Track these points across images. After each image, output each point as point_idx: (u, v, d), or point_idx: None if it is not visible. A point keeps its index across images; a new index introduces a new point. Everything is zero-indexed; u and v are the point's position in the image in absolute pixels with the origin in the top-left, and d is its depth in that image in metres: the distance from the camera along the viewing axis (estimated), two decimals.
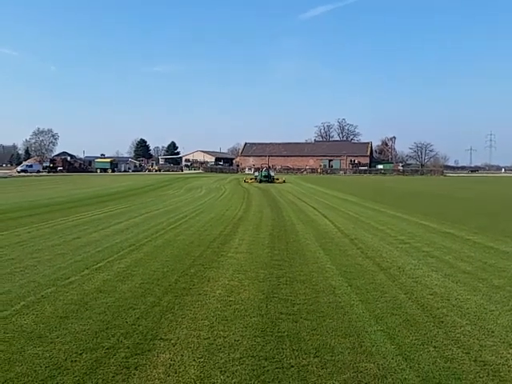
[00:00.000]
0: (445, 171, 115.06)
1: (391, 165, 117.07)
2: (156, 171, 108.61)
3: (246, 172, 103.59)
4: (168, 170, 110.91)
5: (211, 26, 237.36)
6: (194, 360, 4.76)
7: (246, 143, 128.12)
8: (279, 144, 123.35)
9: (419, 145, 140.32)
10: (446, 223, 16.24)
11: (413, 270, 8.93)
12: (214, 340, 5.31)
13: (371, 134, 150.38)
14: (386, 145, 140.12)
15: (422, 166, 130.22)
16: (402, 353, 4.97)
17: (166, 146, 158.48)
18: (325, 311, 6.36)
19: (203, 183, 49.73)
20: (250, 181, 55.08)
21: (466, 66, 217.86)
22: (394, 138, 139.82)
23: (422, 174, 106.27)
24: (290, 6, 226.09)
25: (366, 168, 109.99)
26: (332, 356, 4.86)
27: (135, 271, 8.79)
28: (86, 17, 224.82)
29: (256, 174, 60.97)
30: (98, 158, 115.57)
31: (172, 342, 5.27)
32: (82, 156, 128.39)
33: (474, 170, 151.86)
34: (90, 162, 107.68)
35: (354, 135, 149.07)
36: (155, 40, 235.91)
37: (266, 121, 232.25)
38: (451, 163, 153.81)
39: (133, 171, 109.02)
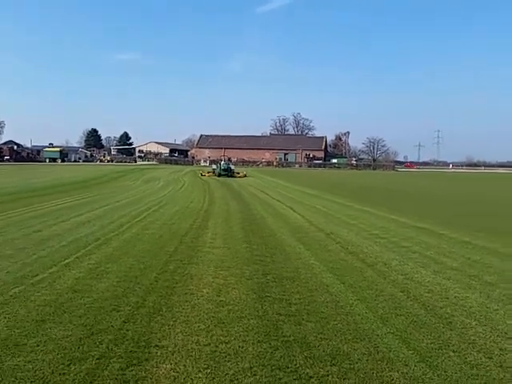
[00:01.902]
0: (395, 166, 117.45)
1: (345, 159, 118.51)
2: (108, 162, 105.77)
3: (202, 164, 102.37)
4: (121, 161, 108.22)
5: (171, 16, 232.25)
6: (200, 371, 4.25)
7: (201, 135, 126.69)
8: (235, 136, 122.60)
9: (372, 140, 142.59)
10: (413, 217, 16.19)
11: (400, 266, 8.68)
12: (216, 347, 4.80)
13: (325, 129, 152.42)
14: (340, 139, 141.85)
15: (374, 160, 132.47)
16: (423, 359, 4.62)
17: (118, 136, 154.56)
18: (325, 312, 5.96)
19: (160, 175, 48.61)
20: (207, 174, 48.88)
21: (417, 61, 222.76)
22: (348, 132, 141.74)
23: (374, 169, 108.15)
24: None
25: (320, 162, 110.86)
26: (350, 364, 4.45)
27: (109, 268, 8.14)
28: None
29: (214, 166, 53.52)
30: (46, 147, 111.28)
31: (169, 349, 4.73)
32: (29, 145, 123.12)
33: (423, 165, 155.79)
34: (38, 152, 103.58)
35: (309, 129, 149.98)
36: (109, 28, 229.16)
37: (223, 113, 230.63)
38: (401, 159, 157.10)
39: (83, 161, 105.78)
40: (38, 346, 4.75)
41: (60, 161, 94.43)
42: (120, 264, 8.46)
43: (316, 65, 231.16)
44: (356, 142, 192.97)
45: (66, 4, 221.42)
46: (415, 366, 4.47)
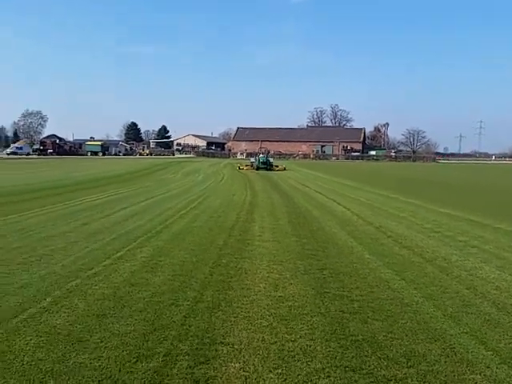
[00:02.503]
0: (436, 158, 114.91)
1: (384, 151, 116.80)
2: (147, 155, 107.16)
3: (238, 157, 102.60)
4: (159, 154, 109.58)
5: (199, 10, 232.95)
6: (271, 371, 4.08)
7: (238, 128, 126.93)
8: (272, 129, 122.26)
9: (411, 131, 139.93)
10: (465, 210, 15.64)
11: (461, 262, 8.31)
12: (283, 345, 4.63)
13: (364, 120, 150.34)
14: (379, 131, 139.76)
15: (414, 152, 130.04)
16: (504, 360, 4.34)
17: (156, 129, 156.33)
18: (391, 310, 5.70)
19: (198, 168, 48.83)
20: (245, 168, 46.78)
21: (459, 53, 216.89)
22: (387, 124, 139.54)
23: (414, 161, 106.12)
24: None
25: (358, 154, 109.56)
26: (428, 366, 4.20)
27: (162, 261, 8.08)
28: None
29: (252, 159, 51.01)
30: (87, 140, 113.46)
31: (235, 347, 4.58)
32: (70, 139, 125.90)
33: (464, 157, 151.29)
34: (80, 145, 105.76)
35: (347, 121, 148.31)
36: (141, 20, 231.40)
37: (259, 106, 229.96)
38: (441, 150, 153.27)
39: (124, 155, 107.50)
40: (101, 342, 4.67)
41: (101, 154, 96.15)
42: (172, 257, 8.39)
43: (354, 55, 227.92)
44: (395, 134, 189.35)
45: None
46: (497, 368, 4.19)
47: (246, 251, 9.03)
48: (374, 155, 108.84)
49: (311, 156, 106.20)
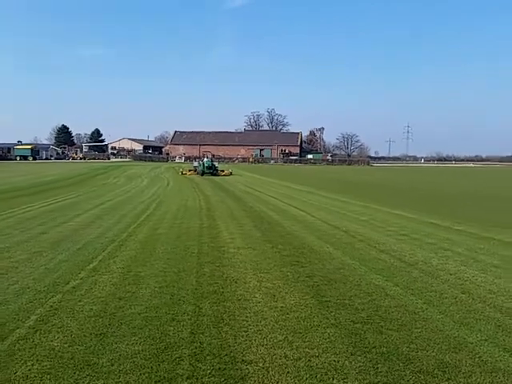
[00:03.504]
0: (370, 161, 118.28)
1: (320, 155, 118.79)
2: (80, 159, 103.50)
3: (177, 161, 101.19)
4: (94, 158, 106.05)
5: (135, 13, 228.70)
6: None
7: (175, 131, 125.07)
8: (209, 133, 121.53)
9: (345, 136, 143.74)
10: (420, 213, 16.01)
11: (442, 265, 8.39)
12: (309, 361, 4.39)
13: (299, 125, 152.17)
14: (315, 135, 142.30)
15: (349, 156, 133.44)
16: None
17: (89, 133, 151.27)
18: (401, 318, 5.59)
19: (139, 172, 47.69)
20: (188, 173, 44.36)
21: (387, 56, 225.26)
22: (323, 128, 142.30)
23: (349, 164, 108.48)
24: None
25: (296, 158, 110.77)
26: (466, 378, 4.09)
27: (141, 272, 7.65)
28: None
29: (195, 164, 47.37)
30: (13, 144, 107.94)
31: (260, 365, 4.30)
32: None
33: (394, 160, 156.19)
34: (8, 149, 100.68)
35: (283, 125, 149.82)
36: (77, 21, 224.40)
37: (194, 110, 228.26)
38: (372, 153, 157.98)
39: (55, 159, 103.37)
40: (112, 365, 4.26)
41: (31, 158, 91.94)
42: (150, 268, 7.97)
43: (288, 60, 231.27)
44: (330, 138, 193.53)
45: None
46: None
47: (224, 259, 8.73)
48: (311, 159, 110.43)
49: (250, 160, 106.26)
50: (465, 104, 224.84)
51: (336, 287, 6.87)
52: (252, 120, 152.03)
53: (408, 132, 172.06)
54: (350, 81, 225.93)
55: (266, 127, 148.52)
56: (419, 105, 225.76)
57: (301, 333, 5.07)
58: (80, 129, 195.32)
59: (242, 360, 4.38)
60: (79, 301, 6.11)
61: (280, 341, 4.85)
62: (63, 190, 24.89)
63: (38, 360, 4.32)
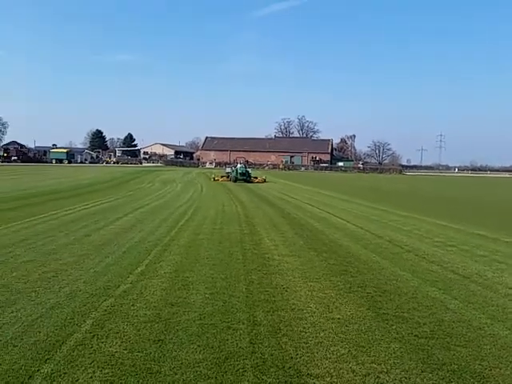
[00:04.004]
0: (402, 170, 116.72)
1: (351, 162, 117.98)
2: (114, 163, 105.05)
3: (207, 166, 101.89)
4: (126, 163, 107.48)
5: (170, 19, 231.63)
6: None
7: (206, 137, 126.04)
8: (240, 139, 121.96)
9: (377, 143, 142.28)
10: (465, 223, 15.58)
11: (498, 278, 8.08)
12: (378, 377, 4.21)
13: (329, 132, 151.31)
14: (346, 142, 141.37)
15: (380, 164, 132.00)
16: None
17: (122, 137, 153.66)
18: (467, 334, 5.34)
19: (172, 177, 47.99)
20: (221, 179, 43.14)
21: (420, 67, 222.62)
22: (354, 136, 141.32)
23: (380, 172, 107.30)
24: (244, 2, 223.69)
25: (327, 165, 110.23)
26: None
27: (189, 278, 7.57)
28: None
29: (228, 170, 46.26)
30: (49, 148, 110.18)
31: (327, 379, 4.13)
32: (32, 146, 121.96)
33: (426, 169, 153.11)
34: (44, 152, 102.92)
35: (314, 132, 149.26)
36: (111, 29, 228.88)
37: (226, 116, 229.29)
38: (404, 162, 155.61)
39: (89, 163, 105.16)
40: (176, 374, 4.15)
41: (67, 162, 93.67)
42: (198, 273, 7.88)
43: (319, 68, 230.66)
44: (360, 146, 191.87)
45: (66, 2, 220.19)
46: None
47: (271, 266, 8.59)
48: (342, 166, 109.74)
49: (280, 166, 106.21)
50: (499, 113, 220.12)
51: (391, 299, 6.65)
52: (282, 127, 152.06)
53: (441, 141, 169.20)
54: (382, 88, 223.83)
55: (296, 134, 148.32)
56: (452, 113, 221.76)
57: (364, 347, 4.87)
58: (113, 133, 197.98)
59: (308, 374, 4.22)
60: (132, 305, 6.04)
61: (343, 354, 4.66)
62: (101, 193, 25.16)
63: (98, 367, 4.24)
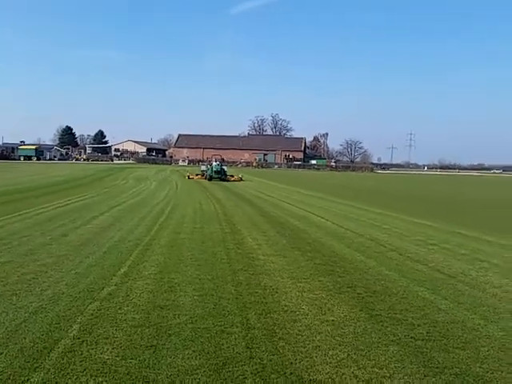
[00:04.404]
0: (374, 168, 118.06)
1: (324, 161, 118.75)
2: (84, 160, 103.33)
3: (180, 164, 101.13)
4: (97, 160, 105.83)
5: (143, 16, 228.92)
6: None
7: (179, 134, 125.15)
8: (213, 136, 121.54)
9: (349, 142, 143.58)
10: (442, 222, 15.73)
11: (483, 277, 8.12)
12: (381, 382, 4.12)
13: (302, 130, 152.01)
14: (319, 141, 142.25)
15: (352, 162, 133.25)
16: None
17: (92, 134, 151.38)
18: (463, 336, 5.29)
19: (145, 174, 47.40)
20: (195, 177, 42.01)
21: (390, 64, 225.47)
22: (327, 134, 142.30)
23: (353, 170, 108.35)
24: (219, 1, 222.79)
25: (300, 163, 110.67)
26: None
27: (175, 279, 7.38)
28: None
29: (203, 167, 44.80)
30: (17, 145, 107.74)
31: None
32: None
33: (397, 167, 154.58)
34: (12, 149, 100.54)
35: (287, 130, 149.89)
36: (84, 25, 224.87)
37: (198, 113, 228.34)
38: (374, 160, 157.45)
39: (59, 159, 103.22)
40: (173, 382, 3.99)
41: (35, 159, 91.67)
42: (183, 274, 7.70)
43: (293, 65, 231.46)
44: (332, 144, 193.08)
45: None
46: None
47: (257, 266, 8.46)
48: (315, 164, 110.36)
49: (254, 164, 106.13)
50: (469, 112, 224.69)
51: (382, 300, 6.59)
52: (256, 124, 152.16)
53: (411, 140, 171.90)
54: (353, 87, 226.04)
55: (269, 132, 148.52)
56: (421, 112, 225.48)
57: (363, 350, 4.78)
58: (84, 130, 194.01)
59: (310, 380, 4.10)
60: (119, 308, 5.83)
61: (343, 359, 4.56)
62: (74, 190, 24.62)
63: (91, 375, 4.04)
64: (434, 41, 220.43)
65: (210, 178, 39.83)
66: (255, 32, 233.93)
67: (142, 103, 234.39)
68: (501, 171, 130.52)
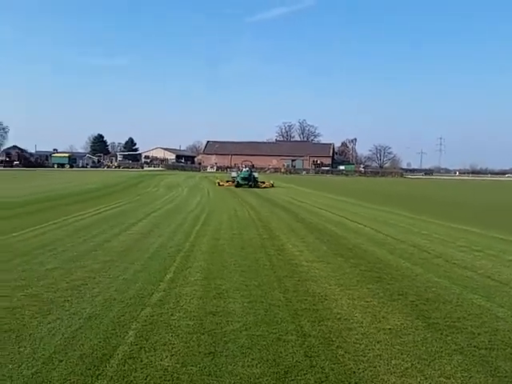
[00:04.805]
0: (403, 174, 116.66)
1: (353, 166, 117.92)
2: (116, 167, 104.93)
3: (209, 170, 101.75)
4: (128, 167, 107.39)
5: (169, 22, 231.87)
6: None
7: (208, 141, 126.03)
8: (241, 143, 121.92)
9: (378, 147, 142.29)
10: (482, 227, 15.34)
11: None
12: None
13: (331, 136, 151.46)
14: (347, 146, 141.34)
15: (381, 167, 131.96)
16: None
17: (123, 142, 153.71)
18: None
19: (176, 181, 47.76)
20: (226, 184, 40.52)
21: (420, 70, 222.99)
22: (355, 139, 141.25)
23: (382, 176, 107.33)
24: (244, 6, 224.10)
25: (328, 168, 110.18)
26: None
27: (222, 285, 7.34)
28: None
29: (233, 174, 42.87)
30: (50, 152, 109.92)
31: None
32: (33, 151, 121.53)
33: (428, 172, 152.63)
34: (46, 157, 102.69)
35: (315, 136, 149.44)
36: (111, 31, 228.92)
37: (226, 120, 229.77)
38: (404, 165, 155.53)
39: (91, 167, 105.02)
40: None
41: (68, 166, 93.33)
42: (229, 280, 7.66)
43: (320, 71, 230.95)
44: (361, 149, 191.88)
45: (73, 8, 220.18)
46: None
47: (301, 273, 8.36)
48: (343, 170, 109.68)
49: (282, 170, 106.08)
50: (498, 115, 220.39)
51: (437, 308, 6.42)
52: (283, 130, 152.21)
53: (441, 144, 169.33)
54: (382, 91, 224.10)
55: (297, 138, 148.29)
56: (451, 116, 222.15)
57: (426, 359, 4.64)
58: (114, 138, 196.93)
59: None
60: (171, 315, 5.81)
61: (407, 368, 4.43)
62: (108, 198, 24.91)
63: (155, 383, 4.01)
64: (464, 42, 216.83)
65: (237, 185, 38.53)
66: (281, 38, 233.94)
67: (171, 110, 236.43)
68: None
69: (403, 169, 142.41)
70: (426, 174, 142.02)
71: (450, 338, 5.26)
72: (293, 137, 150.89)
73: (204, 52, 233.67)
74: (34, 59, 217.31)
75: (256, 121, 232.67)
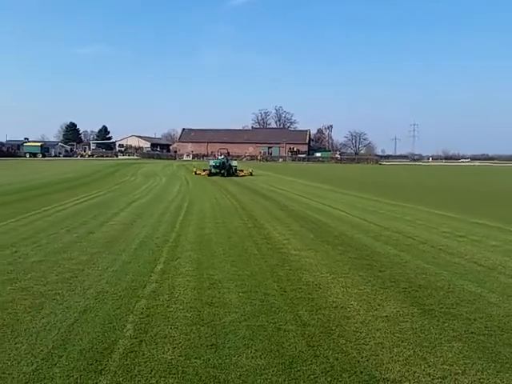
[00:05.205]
0: (378, 160, 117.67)
1: (329, 153, 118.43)
2: (89, 156, 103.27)
3: (185, 158, 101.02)
4: (102, 156, 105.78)
5: (139, 12, 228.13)
6: None
7: (183, 129, 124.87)
8: (217, 130, 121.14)
9: (354, 134, 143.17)
10: (462, 213, 15.57)
11: None
12: (456, 380, 4.03)
13: (306, 123, 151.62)
14: (323, 133, 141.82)
15: (357, 154, 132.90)
16: None
17: (96, 130, 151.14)
18: None
19: (152, 170, 47.37)
20: (202, 173, 38.49)
21: (395, 55, 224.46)
22: (331, 126, 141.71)
23: (357, 163, 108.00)
24: None
25: (304, 156, 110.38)
26: None
27: (214, 275, 7.30)
28: None
29: (212, 162, 40.08)
30: (21, 142, 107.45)
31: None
32: (3, 140, 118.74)
33: (414, 159, 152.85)
34: (18, 146, 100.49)
35: (291, 123, 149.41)
36: (82, 20, 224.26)
37: (201, 108, 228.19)
38: (378, 152, 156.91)
39: (64, 156, 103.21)
40: (246, 382, 3.90)
41: (41, 156, 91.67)
42: (221, 270, 7.62)
43: (295, 59, 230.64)
44: (337, 136, 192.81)
45: None
46: None
47: (292, 262, 8.36)
48: (319, 157, 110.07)
49: (258, 157, 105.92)
50: (468, 101, 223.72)
51: (430, 294, 6.48)
52: (260, 118, 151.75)
53: (414, 130, 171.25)
54: (356, 78, 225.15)
55: (273, 125, 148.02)
56: (424, 103, 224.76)
57: (427, 347, 4.67)
58: (87, 126, 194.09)
59: (384, 378, 4.00)
60: (167, 306, 5.75)
61: (410, 356, 4.46)
62: (86, 187, 24.60)
63: (160, 376, 3.95)
64: (435, 29, 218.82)
65: (211, 174, 37.01)
66: (255, 26, 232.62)
67: (145, 98, 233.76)
68: None
69: (378, 155, 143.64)
70: (412, 160, 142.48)
71: (446, 324, 5.31)
72: (269, 124, 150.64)
73: (179, 39, 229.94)
74: (3, 46, 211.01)
75: (232, 109, 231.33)
